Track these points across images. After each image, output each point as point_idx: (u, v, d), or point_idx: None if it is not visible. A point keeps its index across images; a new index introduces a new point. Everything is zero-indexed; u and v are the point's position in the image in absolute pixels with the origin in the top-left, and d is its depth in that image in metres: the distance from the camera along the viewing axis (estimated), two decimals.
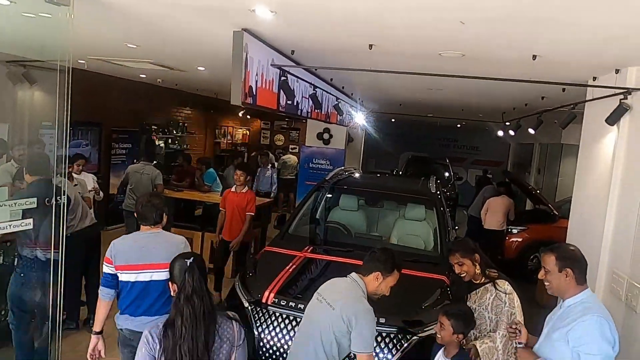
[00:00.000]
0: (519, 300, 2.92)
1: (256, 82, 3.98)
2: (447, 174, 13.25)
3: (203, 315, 2.10)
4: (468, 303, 2.94)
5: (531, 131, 6.42)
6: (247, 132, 15.17)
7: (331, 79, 6.38)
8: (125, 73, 8.33)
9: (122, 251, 2.91)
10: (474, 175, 16.33)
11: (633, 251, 3.54)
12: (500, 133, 9.80)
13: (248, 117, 14.53)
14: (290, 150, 14.20)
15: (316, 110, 6.18)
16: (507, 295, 2.86)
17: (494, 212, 7.85)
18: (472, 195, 9.84)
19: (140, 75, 8.55)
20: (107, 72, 8.16)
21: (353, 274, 2.68)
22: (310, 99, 5.60)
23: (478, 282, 2.98)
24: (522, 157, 14.69)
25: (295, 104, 5.21)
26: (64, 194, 3.19)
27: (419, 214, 5.11)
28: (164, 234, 3.06)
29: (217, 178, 8.39)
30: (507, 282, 2.95)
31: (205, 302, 2.12)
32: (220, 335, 2.16)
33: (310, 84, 5.38)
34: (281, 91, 4.48)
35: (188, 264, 2.18)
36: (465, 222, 9.39)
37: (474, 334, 2.90)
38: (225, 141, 13.97)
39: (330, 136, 9.98)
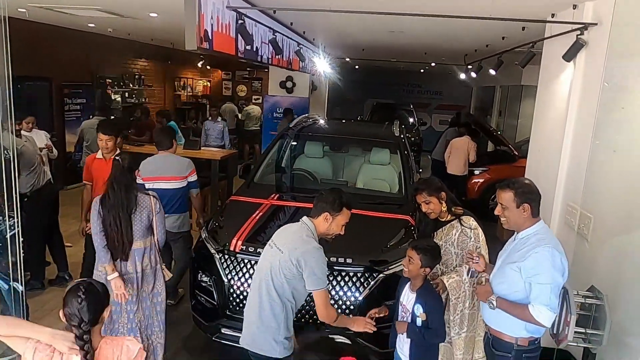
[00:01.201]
0: (483, 235, 3.02)
1: (212, 25, 3.80)
2: (411, 120, 13.35)
3: (126, 189, 3.15)
4: (434, 240, 3.02)
5: (492, 72, 6.47)
6: (208, 83, 14.71)
7: (291, 23, 6.17)
8: (72, 23, 7.82)
9: (147, 169, 4.14)
10: (438, 120, 16.55)
11: (585, 184, 3.69)
12: (462, 76, 9.84)
13: (208, 67, 14.06)
14: (253, 101, 13.90)
15: (277, 57, 6.01)
16: (472, 231, 2.96)
17: (456, 154, 8.00)
18: (436, 140, 9.99)
19: (89, 25, 8.04)
20: (52, 22, 7.64)
21: (304, 218, 2.69)
22: (270, 45, 5.42)
23: (444, 219, 3.05)
24: (484, 100, 14.90)
25: (254, 49, 5.04)
26: (10, 150, 3.02)
27: (383, 158, 5.15)
28: (173, 156, 4.35)
29: (179, 131, 8.17)
30: (472, 218, 3.03)
31: (126, 182, 3.17)
32: (138, 203, 3.20)
33: (270, 28, 5.20)
34: (239, 36, 4.32)
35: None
36: (429, 166, 9.57)
37: (440, 269, 3.00)
38: (185, 93, 13.53)
39: (294, 84, 9.80)
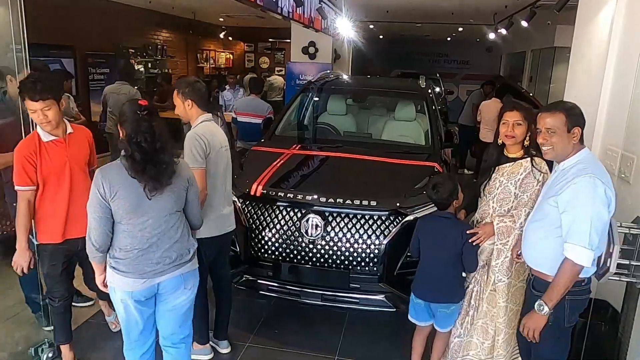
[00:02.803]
0: None
1: None
2: (437, 89, 12.96)
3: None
4: (494, 175, 2.76)
5: (524, 24, 6.15)
6: (231, 56, 14.60)
7: None
8: None
9: (240, 105, 5.88)
10: (465, 90, 16.06)
11: (627, 125, 3.45)
12: (492, 36, 9.42)
13: (230, 39, 13.94)
14: (276, 72, 13.73)
15: (298, 12, 5.84)
16: (542, 175, 2.62)
17: (487, 120, 7.63)
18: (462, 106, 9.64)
19: None
20: None
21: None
22: None
23: (512, 154, 2.73)
24: (514, 67, 14.36)
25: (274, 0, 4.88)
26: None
27: (409, 114, 4.93)
28: (259, 99, 5.98)
29: None
30: (544, 163, 2.68)
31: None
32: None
33: None
34: None
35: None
36: (457, 133, 9.25)
37: (493, 207, 2.75)
38: (208, 66, 13.46)
39: (316, 50, 9.57)
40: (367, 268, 3.25)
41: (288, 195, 3.41)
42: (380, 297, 3.28)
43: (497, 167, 2.76)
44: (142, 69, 10.29)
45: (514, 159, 2.71)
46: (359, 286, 3.29)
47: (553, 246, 2.18)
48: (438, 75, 13.69)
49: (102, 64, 9.09)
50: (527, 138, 2.68)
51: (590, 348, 2.98)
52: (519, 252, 2.52)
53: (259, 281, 3.45)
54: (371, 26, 12.00)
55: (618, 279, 2.39)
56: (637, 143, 3.30)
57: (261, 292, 3.48)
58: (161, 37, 11.40)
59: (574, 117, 2.14)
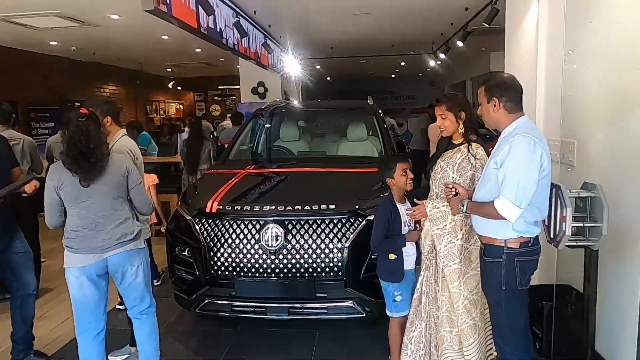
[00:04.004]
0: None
1: None
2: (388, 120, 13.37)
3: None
4: (439, 160, 2.80)
5: (460, 44, 6.50)
6: (181, 106, 14.61)
7: (255, 12, 6.15)
8: (35, 44, 7.70)
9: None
10: (413, 123, 16.63)
11: (562, 117, 3.65)
12: (432, 63, 9.93)
13: (179, 88, 13.99)
14: (227, 117, 13.80)
15: (243, 45, 5.96)
16: (477, 161, 2.66)
17: (435, 141, 7.90)
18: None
19: (51, 44, 7.94)
20: (14, 44, 7.51)
21: None
22: (234, 28, 5.37)
23: (457, 142, 2.76)
24: None
25: (218, 30, 4.97)
26: None
27: (361, 133, 5.00)
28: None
29: (152, 141, 8.01)
30: (481, 149, 2.73)
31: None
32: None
33: (233, 10, 5.15)
34: (200, 8, 4.24)
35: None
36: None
37: (436, 192, 2.77)
38: (158, 117, 13.39)
39: (266, 89, 9.72)
40: (332, 274, 3.18)
41: (245, 208, 3.34)
42: (348, 303, 3.19)
43: (444, 153, 2.82)
44: None
45: (457, 145, 2.76)
46: (325, 295, 3.20)
47: None
48: (386, 109, 14.17)
49: (46, 118, 8.87)
50: (461, 125, 2.73)
51: (560, 330, 2.99)
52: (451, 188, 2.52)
53: (221, 302, 3.30)
54: (318, 66, 12.39)
55: (575, 243, 2.44)
56: (574, 129, 3.48)
57: (224, 313, 3.33)
58: (108, 90, 11.31)
59: (491, 89, 2.28)
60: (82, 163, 2.48)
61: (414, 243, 2.85)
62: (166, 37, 8.17)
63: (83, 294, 2.63)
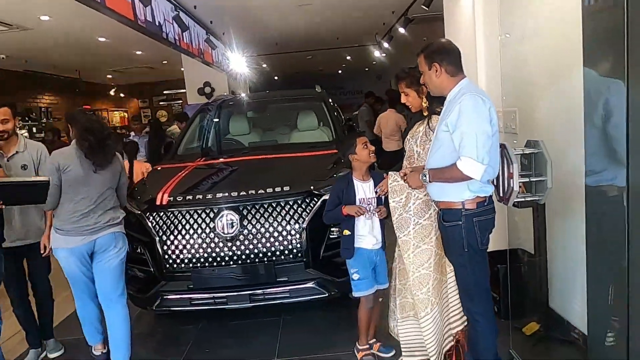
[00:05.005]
0: None
1: None
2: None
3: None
4: (407, 135, 2.82)
5: (401, 30, 6.62)
6: (125, 114, 14.12)
7: (195, 7, 6.01)
8: None
9: None
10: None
11: (502, 88, 3.77)
12: (377, 54, 10.08)
13: (122, 95, 13.52)
14: (176, 122, 13.46)
15: (185, 41, 5.81)
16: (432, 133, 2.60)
17: (388, 131, 7.82)
18: None
19: None
20: None
21: None
22: (174, 23, 5.22)
23: (426, 115, 2.74)
24: None
25: (157, 24, 4.81)
26: None
27: (311, 121, 4.98)
28: None
29: None
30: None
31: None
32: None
33: (171, 2, 5.01)
34: None
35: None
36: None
37: (405, 165, 2.77)
38: None
39: (212, 89, 9.52)
40: (291, 256, 3.14)
41: (197, 197, 3.25)
42: (310, 284, 3.16)
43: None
44: (26, 134, 9.56)
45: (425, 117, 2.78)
46: (286, 278, 3.15)
47: None
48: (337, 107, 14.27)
49: None
50: (424, 99, 2.74)
51: (516, 292, 3.08)
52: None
53: (179, 296, 3.19)
54: (264, 64, 12.30)
55: (523, 199, 2.51)
56: (513, 98, 3.61)
57: (183, 308, 3.22)
58: (45, 101, 10.76)
59: (429, 56, 2.30)
60: (104, 148, 2.78)
61: (372, 224, 2.80)
62: (104, 39, 7.86)
63: (73, 270, 2.85)
